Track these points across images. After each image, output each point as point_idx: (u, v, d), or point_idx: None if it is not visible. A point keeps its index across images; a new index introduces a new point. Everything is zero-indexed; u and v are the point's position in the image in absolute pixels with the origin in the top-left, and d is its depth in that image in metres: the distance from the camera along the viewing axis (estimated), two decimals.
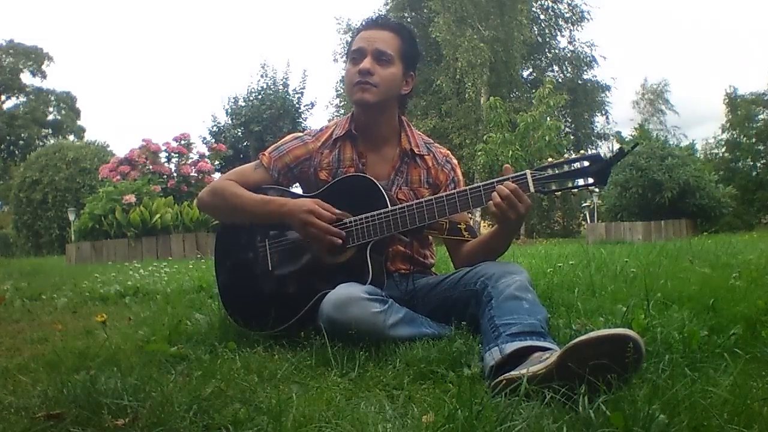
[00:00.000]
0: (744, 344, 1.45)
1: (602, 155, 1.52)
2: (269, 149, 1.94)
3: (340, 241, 1.69)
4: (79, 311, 2.86)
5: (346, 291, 1.59)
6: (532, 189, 1.55)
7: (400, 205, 1.69)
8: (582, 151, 1.56)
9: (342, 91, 23.38)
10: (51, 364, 1.62)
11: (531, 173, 1.56)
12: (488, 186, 1.60)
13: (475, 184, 1.63)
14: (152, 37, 62.98)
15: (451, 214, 1.65)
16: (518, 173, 1.58)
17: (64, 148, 14.91)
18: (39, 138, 30.64)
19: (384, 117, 1.90)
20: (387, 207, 1.69)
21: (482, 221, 15.45)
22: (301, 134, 1.97)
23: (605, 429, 0.96)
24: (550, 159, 1.60)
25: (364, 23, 1.93)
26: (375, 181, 1.75)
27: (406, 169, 1.92)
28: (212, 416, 1.12)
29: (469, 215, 1.90)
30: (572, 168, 1.53)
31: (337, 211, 1.72)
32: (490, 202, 1.58)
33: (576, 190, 1.54)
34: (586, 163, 1.51)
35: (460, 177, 1.98)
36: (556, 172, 1.54)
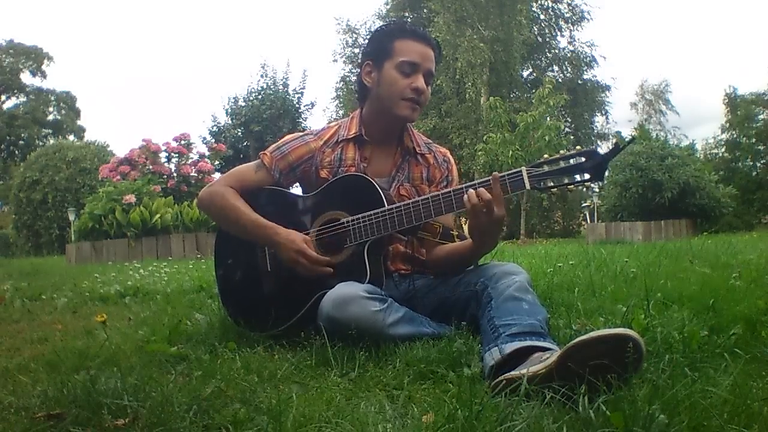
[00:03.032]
0: (744, 344, 1.45)
1: (598, 150, 1.51)
2: (270, 149, 1.93)
3: (331, 269, 1.70)
4: (79, 311, 2.86)
5: (345, 290, 1.59)
6: (527, 185, 1.55)
7: (396, 204, 1.69)
8: (578, 147, 1.55)
9: (341, 92, 23.38)
10: (51, 364, 1.62)
11: (527, 169, 1.56)
12: (484, 182, 1.60)
13: (472, 182, 1.63)
14: (152, 37, 63.04)
15: (447, 212, 1.65)
16: (514, 170, 1.58)
17: (64, 148, 14.89)
18: (39, 138, 30.66)
19: (401, 125, 1.91)
20: (383, 206, 1.70)
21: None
22: (301, 134, 1.95)
23: (605, 429, 0.96)
24: (546, 155, 1.59)
25: (409, 30, 1.83)
26: (372, 180, 1.75)
27: (408, 166, 1.92)
28: (212, 416, 1.12)
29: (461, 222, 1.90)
30: (568, 164, 1.52)
31: (324, 258, 1.71)
32: (466, 198, 1.58)
33: (572, 185, 1.53)
34: (582, 159, 1.51)
35: (455, 176, 1.99)
36: (553, 167, 1.54)
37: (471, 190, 1.58)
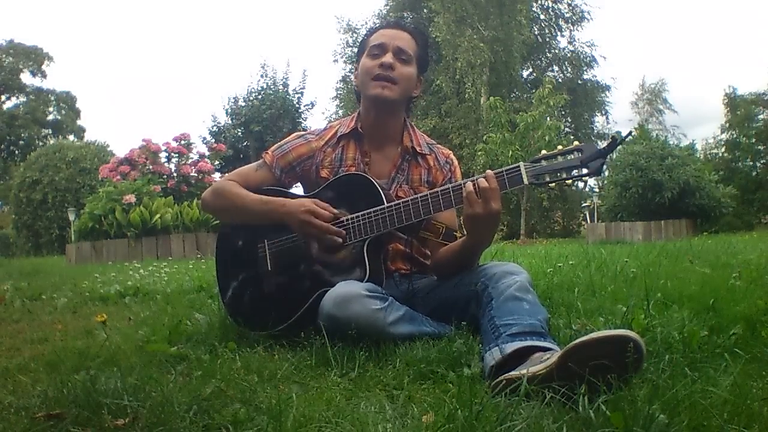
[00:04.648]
0: (744, 344, 1.45)
1: (596, 145, 1.51)
2: (272, 148, 1.95)
3: (340, 240, 1.69)
4: (79, 311, 2.86)
5: (346, 288, 1.59)
6: (526, 181, 1.55)
7: (395, 202, 1.69)
8: (576, 142, 1.55)
9: (341, 92, 23.39)
10: (51, 364, 1.62)
11: (525, 165, 1.56)
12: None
13: (470, 178, 1.63)
14: (152, 37, 63.06)
15: (446, 208, 1.65)
16: (512, 165, 1.57)
17: (64, 148, 14.89)
18: (39, 138, 30.64)
19: (393, 116, 1.91)
20: (383, 204, 1.70)
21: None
22: (304, 133, 1.97)
23: (605, 429, 0.96)
24: (543, 151, 1.59)
25: (381, 24, 1.96)
26: (372, 179, 1.75)
27: (407, 168, 1.92)
28: (212, 416, 1.12)
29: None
30: (566, 159, 1.52)
31: (335, 210, 1.73)
32: (463, 190, 1.58)
33: (570, 180, 1.53)
34: (580, 154, 1.51)
35: (458, 178, 1.98)
36: (551, 163, 1.53)
37: (469, 182, 1.58)
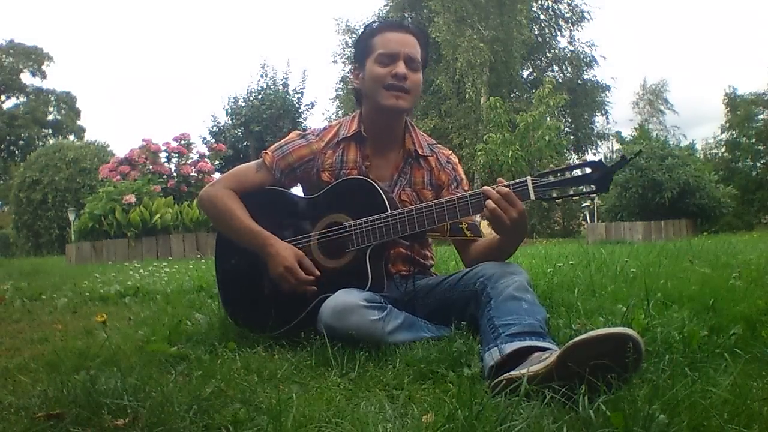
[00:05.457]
0: (744, 344, 1.45)
1: (604, 162, 1.50)
2: (272, 148, 1.92)
3: (315, 288, 1.70)
4: (79, 311, 2.86)
5: (344, 298, 1.58)
6: (532, 196, 1.53)
7: (399, 210, 1.67)
8: (584, 158, 1.54)
9: (341, 93, 23.38)
10: (51, 364, 1.62)
11: (531, 180, 1.54)
12: (475, 195, 1.60)
13: (477, 190, 1.62)
14: (152, 37, 63.07)
15: (451, 219, 1.64)
16: (519, 180, 1.56)
17: (64, 148, 14.90)
18: (39, 138, 30.68)
19: (398, 121, 1.90)
20: (386, 211, 1.68)
21: (481, 220, 15.41)
22: (304, 133, 1.95)
23: (605, 429, 0.96)
24: (551, 165, 1.58)
25: (385, 24, 1.89)
26: (376, 183, 1.74)
27: (410, 171, 1.91)
28: (212, 416, 1.12)
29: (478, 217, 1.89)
30: (574, 175, 1.51)
31: (317, 272, 1.71)
32: (485, 209, 1.57)
33: (577, 197, 1.52)
34: (588, 170, 1.50)
35: (463, 175, 1.98)
36: (558, 178, 1.52)
37: (489, 201, 1.56)
